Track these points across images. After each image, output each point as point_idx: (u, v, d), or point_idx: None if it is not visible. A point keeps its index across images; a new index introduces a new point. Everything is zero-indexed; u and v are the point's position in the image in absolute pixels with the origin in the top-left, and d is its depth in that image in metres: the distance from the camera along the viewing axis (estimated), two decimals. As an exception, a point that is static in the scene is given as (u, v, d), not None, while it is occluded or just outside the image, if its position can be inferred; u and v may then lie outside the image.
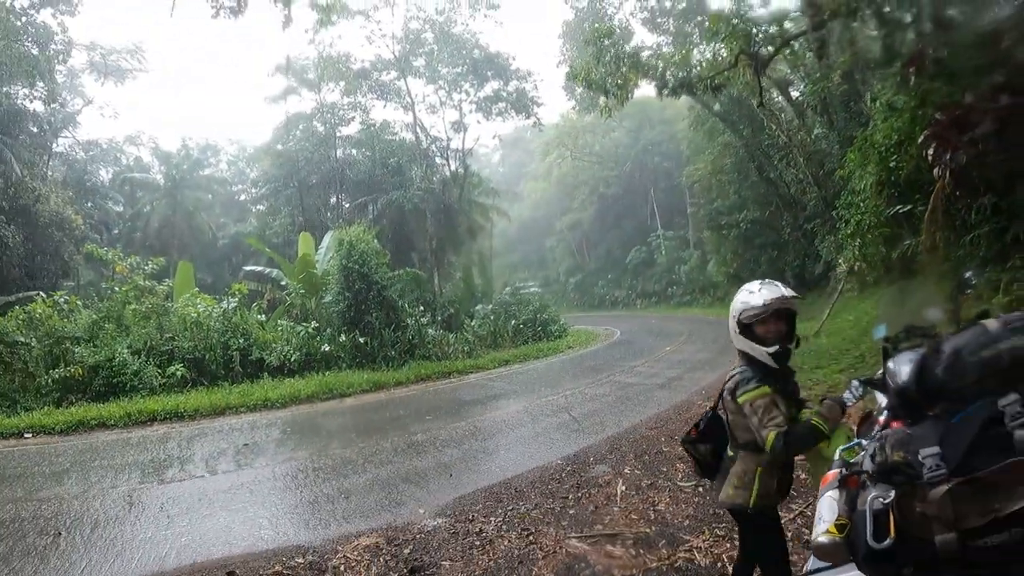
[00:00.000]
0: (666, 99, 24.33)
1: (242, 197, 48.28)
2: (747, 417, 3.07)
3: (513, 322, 24.27)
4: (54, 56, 24.54)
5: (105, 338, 15.75)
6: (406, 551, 5.65)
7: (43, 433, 12.02)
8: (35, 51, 23.14)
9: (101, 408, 13.17)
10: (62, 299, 16.58)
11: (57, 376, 14.35)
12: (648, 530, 5.68)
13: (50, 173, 27.22)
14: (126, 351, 15.34)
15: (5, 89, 23.49)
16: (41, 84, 24.56)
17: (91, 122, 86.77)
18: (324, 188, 36.14)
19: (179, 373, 15.31)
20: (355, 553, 5.67)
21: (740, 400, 3.09)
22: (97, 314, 16.69)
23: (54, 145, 30.83)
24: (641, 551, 5.24)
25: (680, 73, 20.38)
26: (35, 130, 26.36)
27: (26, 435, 11.89)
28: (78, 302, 17.25)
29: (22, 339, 14.94)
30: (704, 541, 5.28)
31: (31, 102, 25.80)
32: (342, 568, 5.40)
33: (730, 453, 3.34)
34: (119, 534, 6.61)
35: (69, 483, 8.72)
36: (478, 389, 15.11)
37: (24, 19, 22.71)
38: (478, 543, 5.72)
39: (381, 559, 5.51)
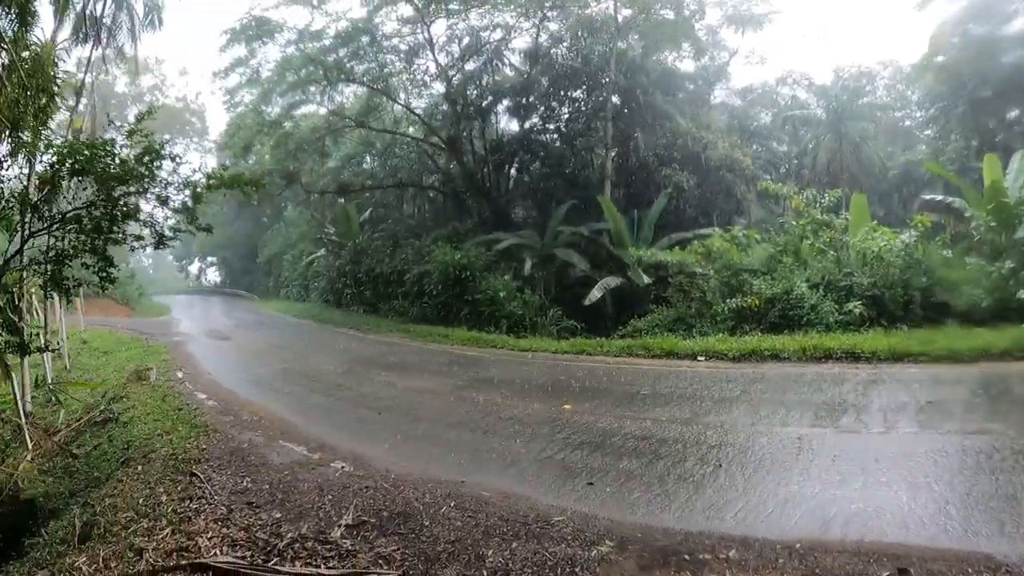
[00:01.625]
0: None
1: (906, 123, 43.78)
2: None
3: None
4: (690, 17, 25.80)
5: (782, 271, 15.82)
6: None
7: (715, 358, 12.50)
8: (671, 15, 24.65)
9: (775, 339, 13.08)
10: (740, 233, 17.03)
11: (733, 305, 15.13)
12: None
13: (712, 122, 28.92)
14: (804, 284, 15.09)
15: (655, 56, 26.37)
16: (686, 45, 26.82)
17: (740, 71, 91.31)
18: (1000, 102, 29.40)
19: (856, 310, 14.23)
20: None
21: None
22: (774, 247, 16.91)
23: (711, 97, 32.80)
24: None
25: None
26: (691, 87, 28.46)
27: (699, 358, 12.42)
28: (755, 236, 17.49)
29: (700, 270, 15.87)
30: None
31: (680, 62, 28.54)
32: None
33: None
34: (783, 481, 6.03)
35: (736, 412, 8.46)
36: None
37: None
38: None
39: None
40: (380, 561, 4.81)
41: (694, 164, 24.13)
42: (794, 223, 17.05)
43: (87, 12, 19.55)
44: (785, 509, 5.34)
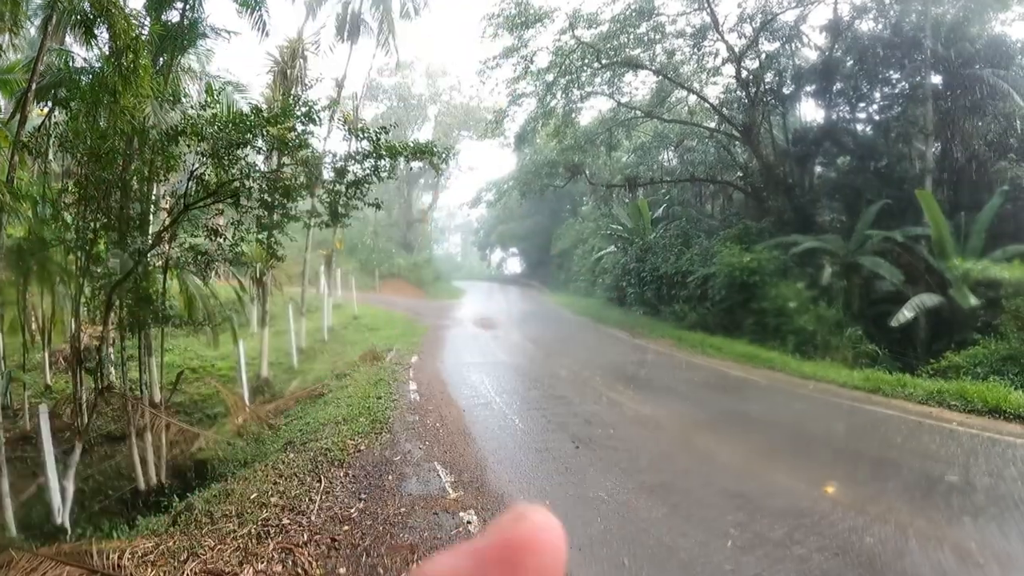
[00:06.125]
0: None
1: None
2: None
3: None
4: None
5: None
6: None
7: (1059, 424, 8.56)
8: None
9: None
10: None
11: None
12: None
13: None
14: None
15: (977, 23, 20.71)
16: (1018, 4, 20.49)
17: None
18: None
19: None
20: None
21: None
22: None
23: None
24: None
25: None
26: (1021, 59, 22.05)
27: (1035, 422, 8.69)
28: None
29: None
30: None
31: (1009, 26, 21.99)
32: None
33: None
34: None
35: None
36: None
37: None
38: None
39: None
40: None
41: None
42: None
43: (350, 9, 20.82)
44: None
